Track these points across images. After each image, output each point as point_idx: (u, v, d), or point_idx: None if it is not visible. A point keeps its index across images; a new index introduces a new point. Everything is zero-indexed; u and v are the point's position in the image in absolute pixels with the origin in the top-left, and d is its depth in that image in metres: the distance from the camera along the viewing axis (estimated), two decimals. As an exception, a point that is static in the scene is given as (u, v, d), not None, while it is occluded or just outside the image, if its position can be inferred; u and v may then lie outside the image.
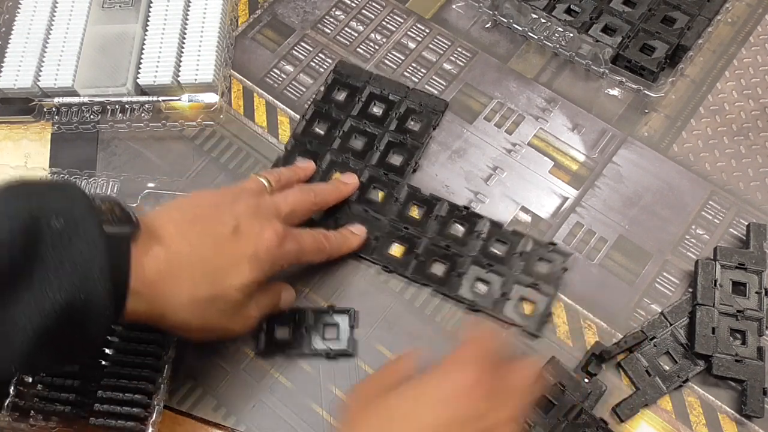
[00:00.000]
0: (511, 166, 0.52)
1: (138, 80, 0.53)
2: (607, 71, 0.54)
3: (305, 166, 0.50)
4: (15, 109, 0.54)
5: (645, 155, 0.52)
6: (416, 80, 0.55)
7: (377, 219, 0.49)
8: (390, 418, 0.34)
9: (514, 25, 0.56)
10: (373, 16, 0.59)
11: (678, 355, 0.44)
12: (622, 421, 0.43)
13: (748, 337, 0.44)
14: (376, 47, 0.57)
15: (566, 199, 0.50)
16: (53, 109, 0.54)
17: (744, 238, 0.47)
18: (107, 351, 0.44)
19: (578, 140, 0.52)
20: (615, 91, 0.54)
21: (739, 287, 0.45)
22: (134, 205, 0.51)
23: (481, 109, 0.54)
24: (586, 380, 0.43)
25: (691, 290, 0.46)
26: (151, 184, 0.51)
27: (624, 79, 0.53)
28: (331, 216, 0.49)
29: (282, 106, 0.55)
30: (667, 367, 0.44)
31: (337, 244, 0.46)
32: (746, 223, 0.47)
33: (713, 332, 0.44)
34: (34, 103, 0.54)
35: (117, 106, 0.53)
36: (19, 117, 0.54)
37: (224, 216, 0.39)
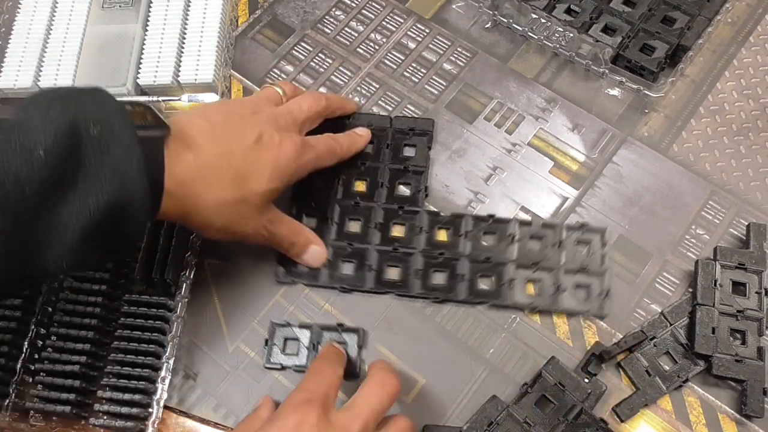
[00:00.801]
0: (511, 166, 0.52)
1: (138, 80, 0.53)
2: (607, 71, 0.54)
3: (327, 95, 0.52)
4: (15, 109, 0.54)
5: (645, 155, 0.52)
6: (416, 80, 0.55)
7: (409, 254, 0.48)
8: None
9: (514, 25, 0.56)
10: (373, 16, 0.59)
11: (678, 355, 0.44)
12: (622, 421, 0.43)
13: (748, 337, 0.44)
14: (376, 47, 0.57)
15: (566, 199, 0.50)
16: (53, 109, 0.54)
17: (744, 238, 0.47)
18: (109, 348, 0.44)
19: (578, 140, 0.52)
20: (615, 91, 0.54)
21: (739, 287, 0.45)
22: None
23: (481, 109, 0.54)
24: (586, 380, 0.43)
25: (691, 290, 0.46)
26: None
27: (624, 79, 0.53)
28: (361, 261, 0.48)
29: (282, 106, 0.55)
30: (667, 367, 0.44)
31: (347, 145, 0.49)
32: (746, 223, 0.47)
33: (713, 332, 0.44)
34: (34, 103, 0.54)
35: (117, 106, 0.53)
36: (19, 117, 0.54)
37: (248, 125, 0.42)
